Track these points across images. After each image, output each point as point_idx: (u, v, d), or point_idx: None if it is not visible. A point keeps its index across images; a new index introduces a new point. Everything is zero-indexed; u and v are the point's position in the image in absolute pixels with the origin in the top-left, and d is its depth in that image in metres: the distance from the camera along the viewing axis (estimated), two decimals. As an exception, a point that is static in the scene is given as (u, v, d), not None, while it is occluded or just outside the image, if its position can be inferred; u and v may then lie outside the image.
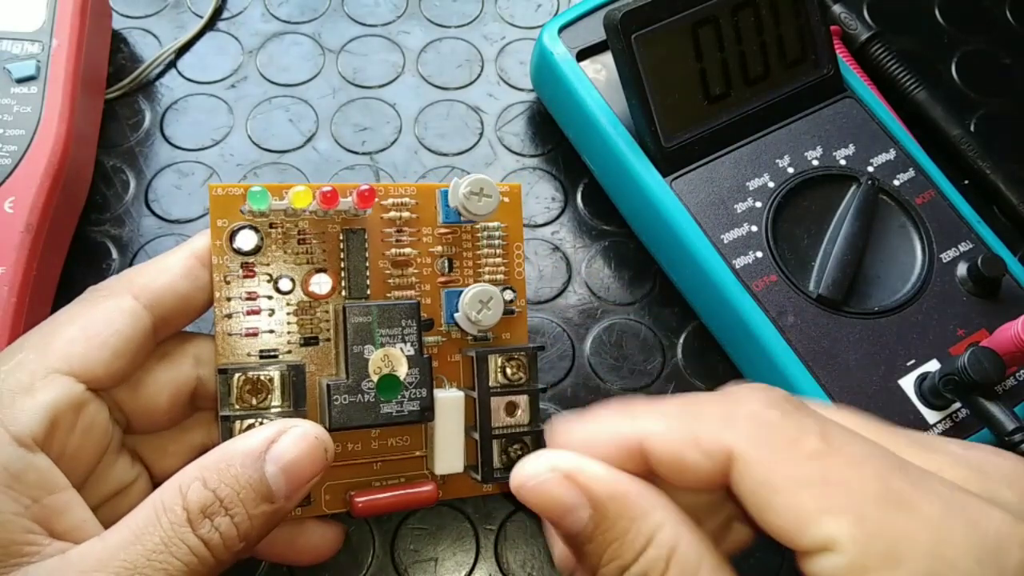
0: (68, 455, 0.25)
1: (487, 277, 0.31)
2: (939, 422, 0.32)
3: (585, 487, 0.21)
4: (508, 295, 0.31)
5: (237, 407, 0.27)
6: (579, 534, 0.22)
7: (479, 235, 0.31)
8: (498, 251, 0.32)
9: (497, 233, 0.32)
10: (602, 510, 0.21)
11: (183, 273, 0.28)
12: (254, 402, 0.27)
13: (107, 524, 0.25)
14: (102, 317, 0.27)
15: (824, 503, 0.19)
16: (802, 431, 0.20)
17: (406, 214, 0.31)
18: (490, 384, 0.30)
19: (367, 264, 0.30)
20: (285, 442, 0.24)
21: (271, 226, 0.29)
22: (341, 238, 0.30)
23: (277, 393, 0.28)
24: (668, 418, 0.22)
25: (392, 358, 0.28)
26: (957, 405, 0.32)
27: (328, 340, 0.29)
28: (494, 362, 0.30)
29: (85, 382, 0.26)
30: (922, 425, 0.32)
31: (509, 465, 0.30)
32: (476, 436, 0.30)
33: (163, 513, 0.23)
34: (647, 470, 0.22)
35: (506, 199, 0.32)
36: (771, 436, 0.20)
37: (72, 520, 0.24)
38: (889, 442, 0.21)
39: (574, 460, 0.22)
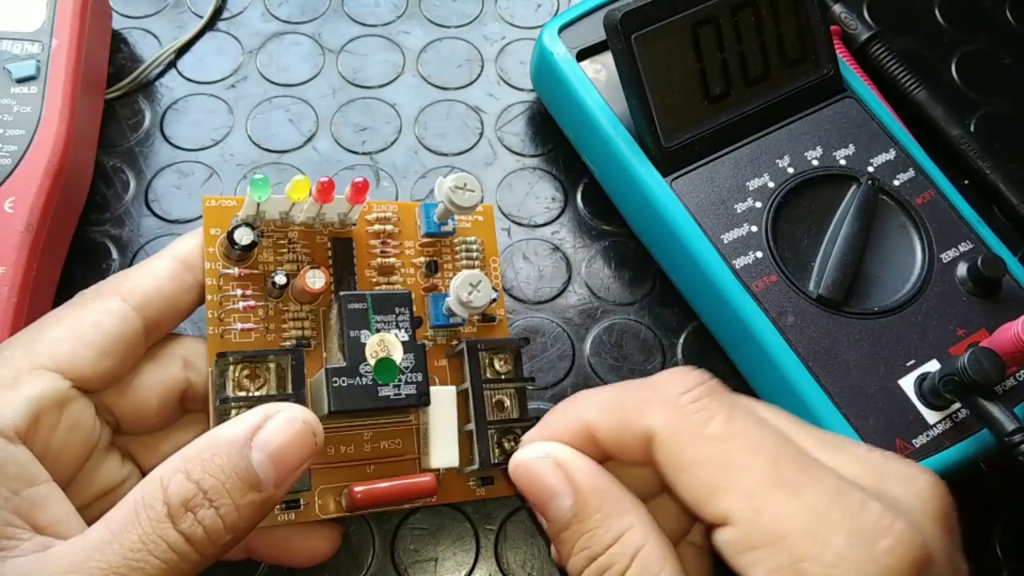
0: (53, 451, 0.25)
1: None
2: (939, 422, 0.32)
3: (571, 478, 0.24)
4: (493, 293, 0.31)
5: (234, 393, 0.27)
6: (558, 521, 0.24)
7: (457, 248, 0.33)
8: (476, 262, 0.33)
9: (475, 246, 0.33)
10: (583, 501, 0.23)
11: (169, 276, 0.28)
12: (251, 388, 0.27)
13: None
14: (89, 318, 0.27)
15: (721, 481, 0.22)
16: (709, 416, 0.22)
17: (389, 227, 0.32)
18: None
19: (355, 271, 0.31)
20: (271, 428, 0.24)
21: (262, 235, 0.30)
22: (329, 246, 0.31)
23: (274, 380, 0.28)
24: (602, 407, 0.24)
25: (388, 343, 0.28)
26: (957, 405, 0.32)
27: (319, 344, 0.30)
28: (482, 359, 0.31)
29: (71, 379, 0.26)
30: (922, 425, 0.32)
31: (504, 457, 0.30)
32: (470, 427, 0.30)
33: (142, 509, 0.22)
34: (602, 452, 0.24)
35: (480, 218, 0.33)
36: (680, 420, 0.23)
37: (54, 513, 0.24)
38: (797, 436, 0.23)
39: (566, 452, 0.24)
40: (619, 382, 0.25)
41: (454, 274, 0.32)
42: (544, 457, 0.24)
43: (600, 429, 0.24)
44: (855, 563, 0.20)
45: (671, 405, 0.23)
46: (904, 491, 0.22)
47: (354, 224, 0.31)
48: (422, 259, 0.32)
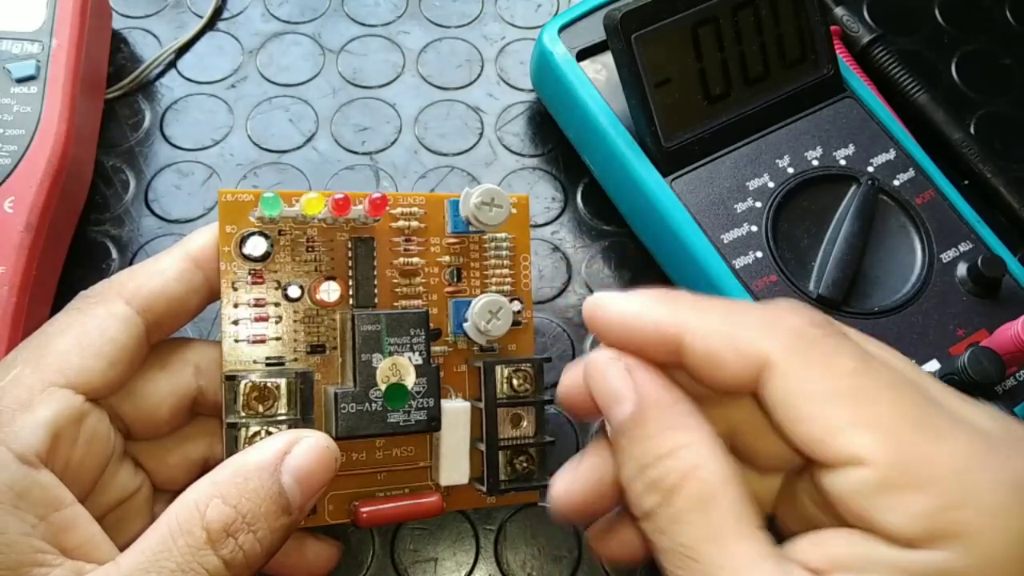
0: (72, 468, 0.25)
1: (494, 288, 0.31)
2: (939, 422, 0.32)
3: (638, 385, 0.22)
4: (516, 306, 0.31)
5: (243, 414, 0.27)
6: (617, 425, 0.23)
7: (487, 245, 0.31)
8: (505, 261, 0.32)
9: (505, 244, 0.32)
10: (643, 409, 0.22)
11: (176, 276, 0.28)
12: (261, 409, 0.27)
13: (112, 532, 0.25)
14: (95, 326, 0.26)
15: (856, 417, 0.19)
16: (841, 350, 0.21)
17: (414, 223, 0.30)
18: (496, 395, 0.30)
19: (375, 273, 0.30)
20: (299, 453, 0.24)
21: (280, 233, 0.29)
22: (349, 246, 0.30)
23: (284, 401, 0.27)
24: (709, 316, 0.22)
25: (400, 367, 0.28)
26: (957, 405, 0.32)
27: (335, 348, 0.29)
28: (500, 373, 0.30)
29: (83, 393, 0.25)
30: (922, 425, 0.32)
31: (515, 477, 0.30)
32: (482, 447, 0.30)
33: (179, 535, 0.22)
34: (678, 362, 0.23)
35: (514, 210, 0.31)
36: (810, 349, 0.21)
37: (81, 536, 0.24)
38: (927, 384, 0.21)
39: (635, 361, 0.23)
40: (724, 298, 0.23)
41: (481, 274, 0.31)
42: (615, 360, 0.23)
43: (698, 340, 0.22)
44: (1017, 514, 0.18)
45: (799, 332, 0.21)
46: None
47: (377, 220, 0.30)
48: (447, 257, 0.31)
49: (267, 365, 0.28)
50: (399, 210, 0.30)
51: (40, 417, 0.24)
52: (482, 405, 0.30)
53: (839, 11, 0.45)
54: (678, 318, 0.23)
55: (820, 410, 0.20)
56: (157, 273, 0.28)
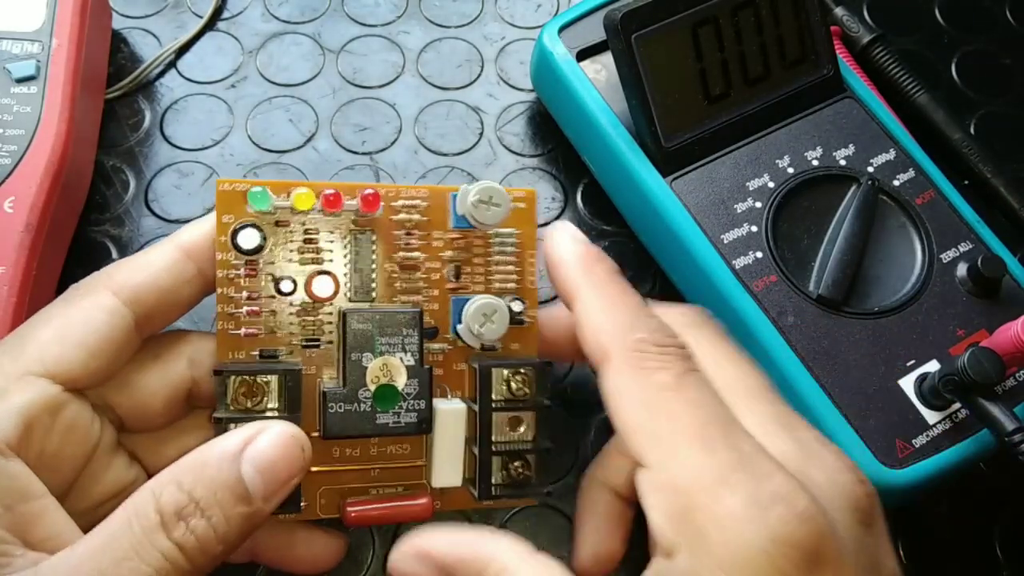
0: (47, 458, 0.25)
1: (497, 285, 0.30)
2: (939, 422, 0.32)
3: (436, 561, 0.24)
4: (517, 306, 0.30)
5: (232, 409, 0.27)
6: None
7: (491, 241, 0.30)
8: (510, 258, 0.31)
9: (510, 240, 0.31)
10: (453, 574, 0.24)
11: (166, 268, 0.27)
12: (249, 404, 0.27)
13: None
14: (79, 316, 0.26)
15: (648, 425, 0.23)
16: (667, 366, 0.24)
17: (416, 216, 0.30)
18: (494, 398, 0.29)
19: (374, 267, 0.29)
20: (261, 442, 0.24)
21: (277, 224, 0.28)
22: (348, 239, 0.29)
23: (273, 396, 0.27)
24: (595, 298, 0.27)
25: (391, 367, 0.27)
26: (957, 405, 0.32)
27: (330, 343, 0.29)
28: (499, 374, 0.29)
29: (62, 383, 0.25)
30: (922, 425, 0.32)
31: (510, 482, 0.29)
32: (476, 451, 0.29)
33: (135, 518, 0.22)
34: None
35: (521, 204, 0.30)
36: (642, 359, 0.24)
37: (49, 528, 0.24)
38: (750, 404, 0.24)
39: (422, 539, 0.25)
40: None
41: (485, 271, 0.30)
42: (408, 557, 0.25)
43: (579, 319, 0.26)
44: (744, 521, 0.20)
45: (637, 343, 0.24)
46: (825, 478, 0.23)
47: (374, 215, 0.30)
48: (450, 252, 0.30)
49: (260, 359, 0.28)
50: (401, 202, 0.29)
51: (12, 405, 0.24)
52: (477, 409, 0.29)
53: (839, 11, 0.45)
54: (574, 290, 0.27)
55: (628, 410, 0.24)
56: (146, 264, 0.27)
